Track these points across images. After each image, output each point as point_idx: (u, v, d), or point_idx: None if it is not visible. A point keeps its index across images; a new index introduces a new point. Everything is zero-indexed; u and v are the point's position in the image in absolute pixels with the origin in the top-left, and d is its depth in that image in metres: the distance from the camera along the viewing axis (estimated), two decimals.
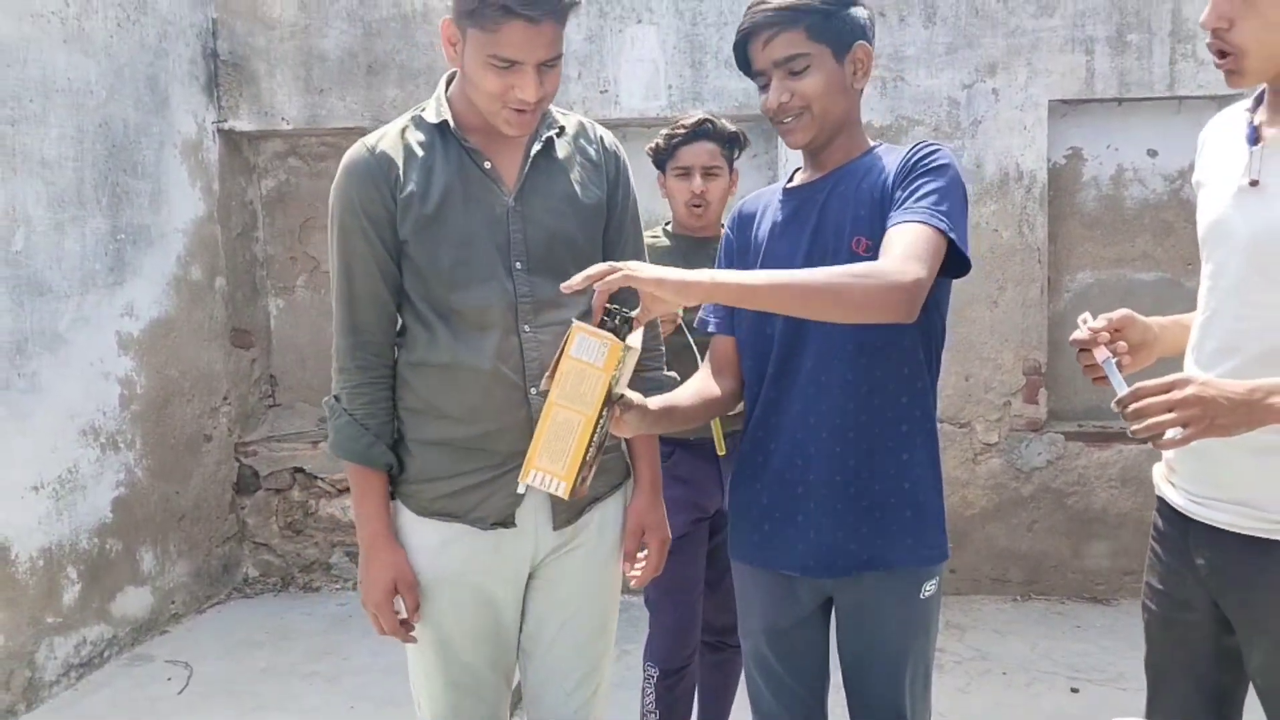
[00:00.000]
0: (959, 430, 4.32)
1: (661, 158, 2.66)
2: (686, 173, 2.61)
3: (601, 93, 4.36)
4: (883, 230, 1.65)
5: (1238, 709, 1.69)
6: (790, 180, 1.89)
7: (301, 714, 3.42)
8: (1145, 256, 4.39)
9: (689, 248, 2.60)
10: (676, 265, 1.61)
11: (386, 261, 1.78)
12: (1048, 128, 4.22)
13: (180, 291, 4.27)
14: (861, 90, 1.80)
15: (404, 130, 1.81)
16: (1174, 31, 4.10)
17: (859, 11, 1.74)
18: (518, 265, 1.78)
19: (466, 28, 1.67)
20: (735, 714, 2.77)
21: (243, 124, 4.54)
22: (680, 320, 2.39)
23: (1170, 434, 1.36)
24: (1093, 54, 4.16)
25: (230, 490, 4.63)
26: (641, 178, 2.03)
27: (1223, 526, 1.56)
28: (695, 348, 2.41)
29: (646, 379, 1.91)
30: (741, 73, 1.82)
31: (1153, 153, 4.32)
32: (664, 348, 2.04)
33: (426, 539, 1.84)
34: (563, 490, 1.51)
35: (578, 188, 1.84)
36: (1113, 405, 1.42)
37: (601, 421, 1.53)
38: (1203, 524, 1.60)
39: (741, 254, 1.90)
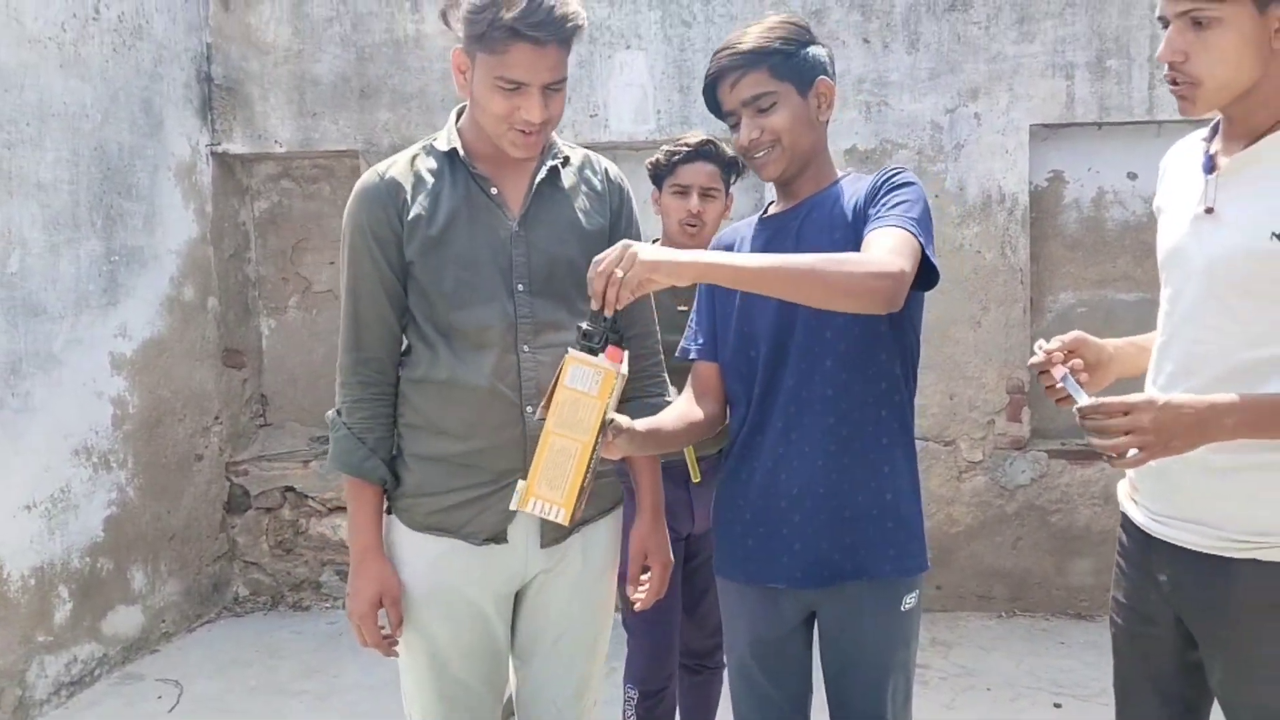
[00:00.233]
0: (944, 448, 4.37)
1: (661, 173, 2.65)
2: (685, 191, 2.60)
3: (591, 116, 4.42)
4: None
5: (1204, 717, 1.74)
6: (765, 212, 1.96)
7: None
8: (1126, 277, 4.45)
9: None
10: None
11: (392, 282, 1.85)
12: (1029, 151, 4.29)
13: (173, 312, 4.31)
14: (826, 122, 1.88)
15: (414, 158, 1.89)
16: (1152, 57, 4.18)
17: (817, 49, 1.84)
18: (520, 287, 1.84)
19: (476, 53, 1.74)
20: None
21: (236, 147, 4.60)
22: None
23: (1131, 453, 1.43)
24: (1073, 79, 4.24)
25: (221, 509, 4.65)
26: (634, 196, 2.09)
27: (1182, 544, 1.62)
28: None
29: (650, 404, 1.97)
30: (713, 115, 1.90)
31: (1133, 175, 4.39)
32: (664, 377, 2.08)
33: (421, 553, 1.88)
34: (563, 517, 1.56)
35: (581, 215, 1.90)
36: (1075, 412, 1.49)
37: (597, 447, 1.57)
38: (1164, 541, 1.65)
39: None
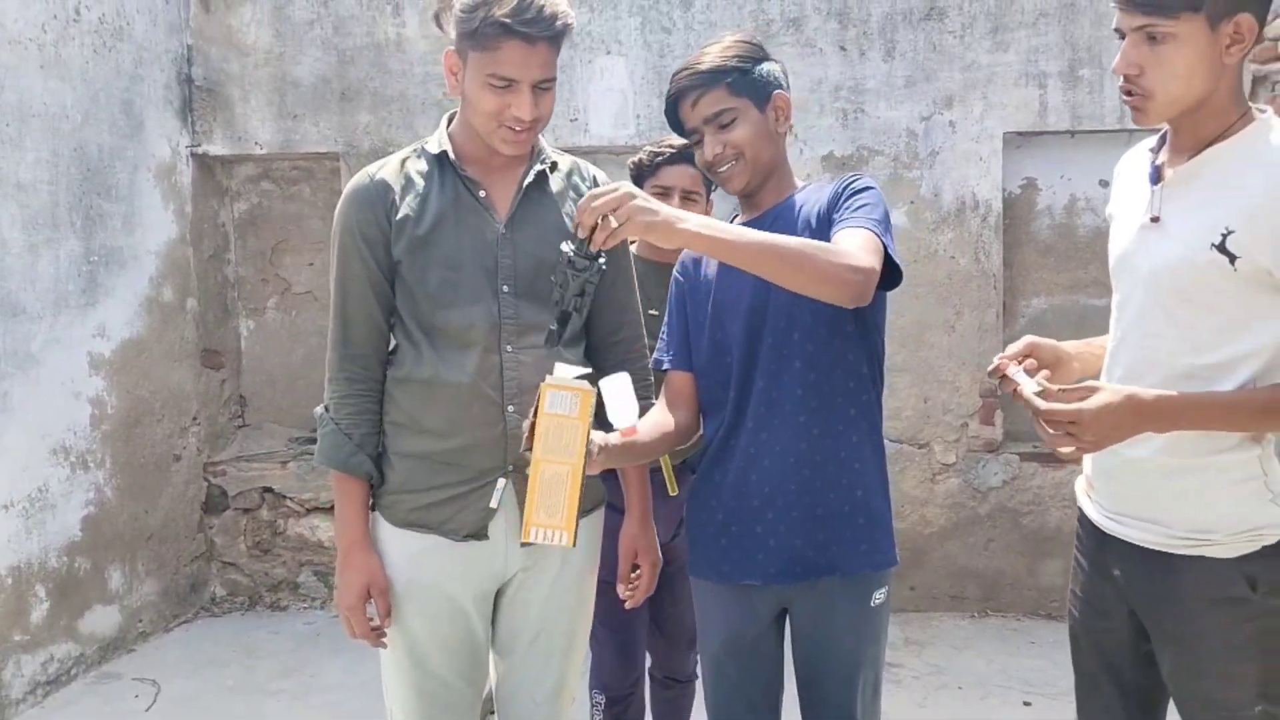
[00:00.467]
0: (918, 451, 4.43)
1: (643, 174, 2.62)
2: (666, 193, 2.55)
3: (571, 121, 4.46)
4: None
5: (1161, 711, 1.80)
6: (731, 222, 2.00)
7: None
8: (1097, 283, 4.52)
9: (651, 274, 2.53)
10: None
11: (380, 281, 1.88)
12: (1003, 158, 4.35)
13: (152, 312, 4.32)
14: (784, 134, 1.94)
15: (405, 160, 1.93)
16: None
17: (771, 65, 1.92)
18: (505, 289, 1.87)
19: (467, 51, 1.78)
20: None
21: (216, 148, 4.60)
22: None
23: (1067, 450, 1.53)
24: (1046, 88, 4.31)
25: (199, 510, 4.65)
26: None
27: (1133, 541, 1.68)
28: None
29: (639, 407, 2.00)
30: (676, 133, 1.97)
31: (1104, 183, 4.46)
32: (652, 379, 2.11)
33: (403, 549, 1.91)
34: (566, 540, 1.59)
35: (567, 220, 1.93)
36: (1025, 400, 1.57)
37: (585, 467, 1.60)
38: (1117, 538, 1.71)
39: (693, 294, 2.00)
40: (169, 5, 4.42)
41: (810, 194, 1.93)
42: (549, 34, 1.76)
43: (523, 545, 1.68)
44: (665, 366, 2.03)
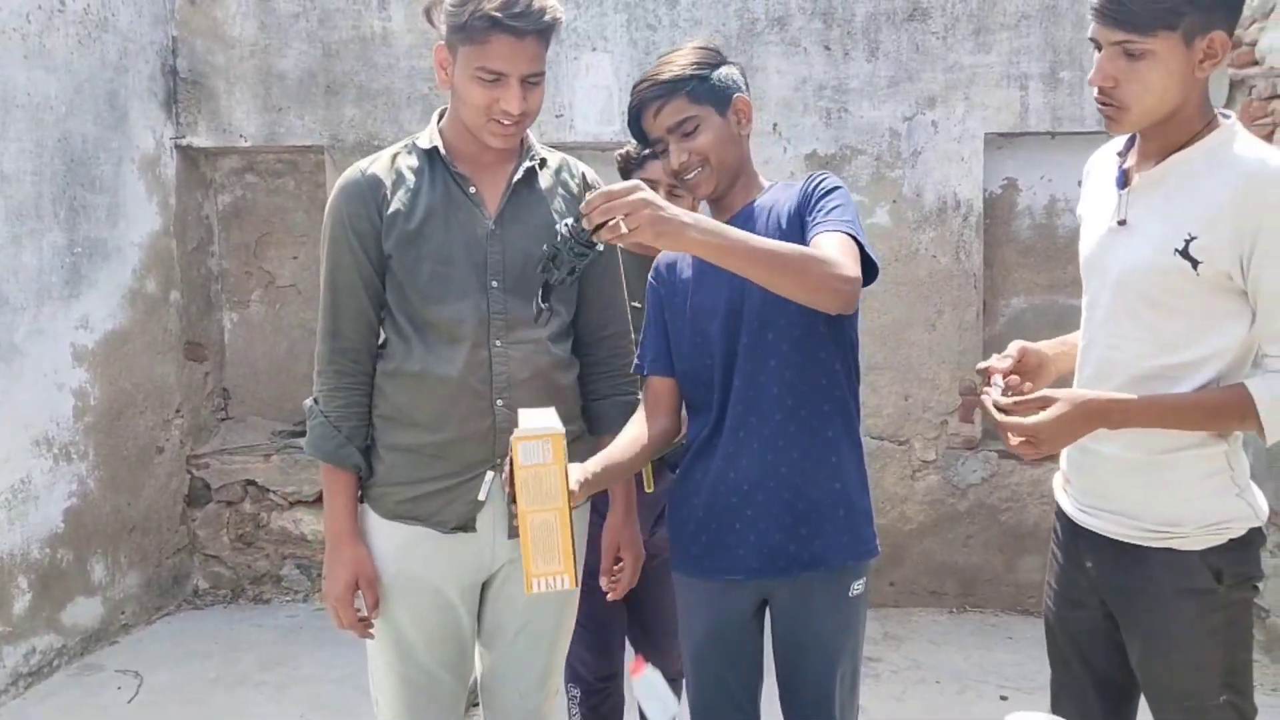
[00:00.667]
0: (898, 447, 4.47)
1: (630, 166, 2.63)
2: (652, 186, 2.56)
3: (557, 117, 4.47)
4: None
5: (1133, 699, 1.84)
6: None
7: None
8: (1076, 283, 4.49)
9: (634, 267, 2.49)
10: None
11: (370, 275, 1.90)
12: (984, 159, 4.40)
13: (135, 304, 4.31)
14: (748, 136, 1.96)
15: (396, 155, 1.95)
16: None
17: (729, 69, 1.95)
18: (493, 284, 1.90)
19: (457, 45, 1.80)
20: None
21: (201, 140, 4.60)
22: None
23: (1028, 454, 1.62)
24: (1027, 89, 4.35)
25: (181, 502, 4.65)
26: None
27: (1105, 533, 1.73)
28: None
29: (623, 403, 2.05)
30: (640, 144, 2.00)
31: (1081, 183, 4.51)
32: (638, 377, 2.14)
33: (391, 540, 1.93)
34: (567, 583, 1.63)
35: (556, 216, 1.95)
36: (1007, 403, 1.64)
37: (571, 506, 1.64)
38: (1090, 530, 1.76)
39: (670, 298, 2.02)
40: None
41: (778, 193, 1.96)
42: (537, 28, 1.78)
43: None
44: (645, 372, 2.05)
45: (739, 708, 2.00)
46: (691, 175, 1.92)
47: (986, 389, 1.70)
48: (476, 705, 2.18)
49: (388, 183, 1.90)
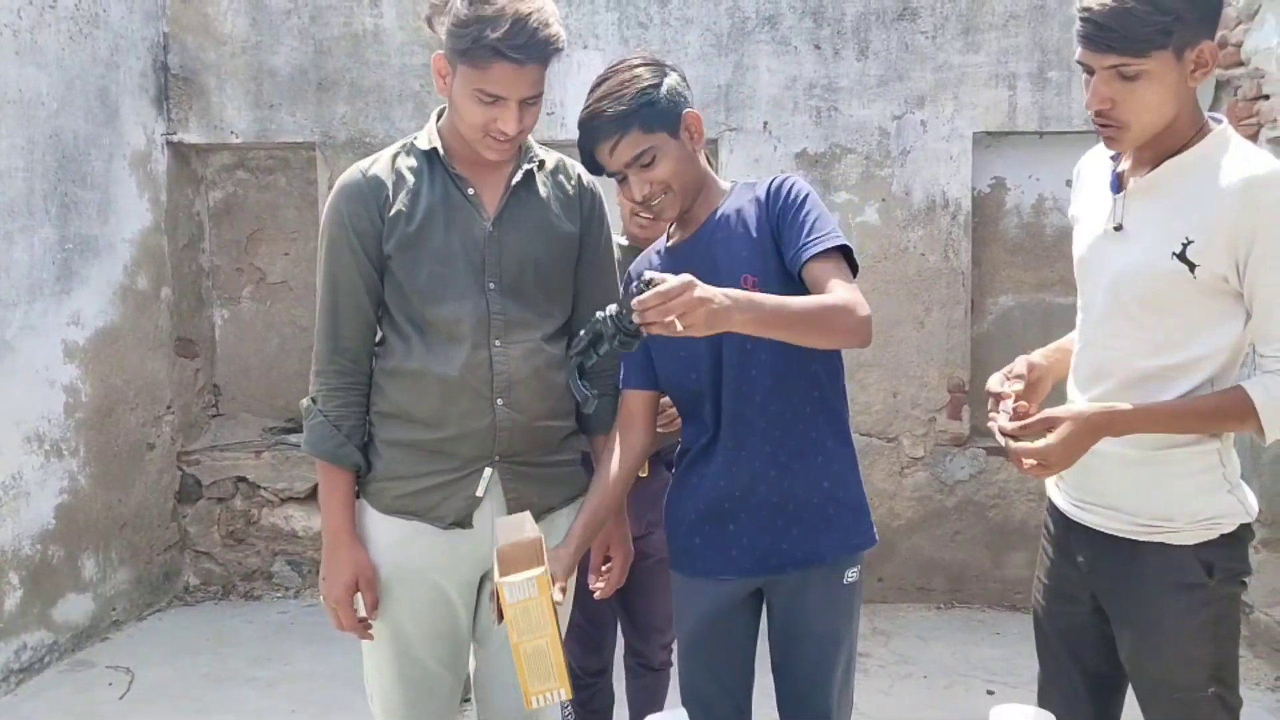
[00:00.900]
0: (887, 444, 4.50)
1: None
2: None
3: (548, 114, 4.47)
4: (764, 266, 1.84)
5: (1120, 693, 1.87)
6: (668, 239, 2.04)
7: (243, 718, 3.48)
8: (1063, 281, 4.60)
9: (630, 261, 2.46)
10: None
11: (370, 274, 1.91)
12: (972, 158, 4.43)
13: (126, 301, 4.31)
14: (702, 149, 1.94)
15: (395, 156, 1.95)
16: None
17: (672, 81, 1.87)
18: (491, 285, 1.91)
19: (457, 63, 1.80)
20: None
21: (192, 136, 4.59)
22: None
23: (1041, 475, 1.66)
24: (1015, 89, 4.39)
25: (172, 499, 4.65)
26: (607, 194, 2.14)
27: (1097, 528, 1.76)
28: None
29: (617, 401, 2.04)
30: (593, 174, 1.96)
31: (1071, 183, 4.54)
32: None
33: (388, 535, 1.94)
34: (564, 695, 1.70)
35: (553, 218, 1.96)
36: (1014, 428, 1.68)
37: (559, 626, 1.70)
38: (1082, 525, 1.79)
39: None
40: None
41: (739, 197, 1.94)
42: (539, 56, 1.78)
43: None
44: (622, 386, 2.04)
45: (729, 693, 2.03)
46: (656, 203, 1.90)
47: (994, 414, 1.72)
48: (469, 700, 2.20)
49: (389, 184, 1.91)
